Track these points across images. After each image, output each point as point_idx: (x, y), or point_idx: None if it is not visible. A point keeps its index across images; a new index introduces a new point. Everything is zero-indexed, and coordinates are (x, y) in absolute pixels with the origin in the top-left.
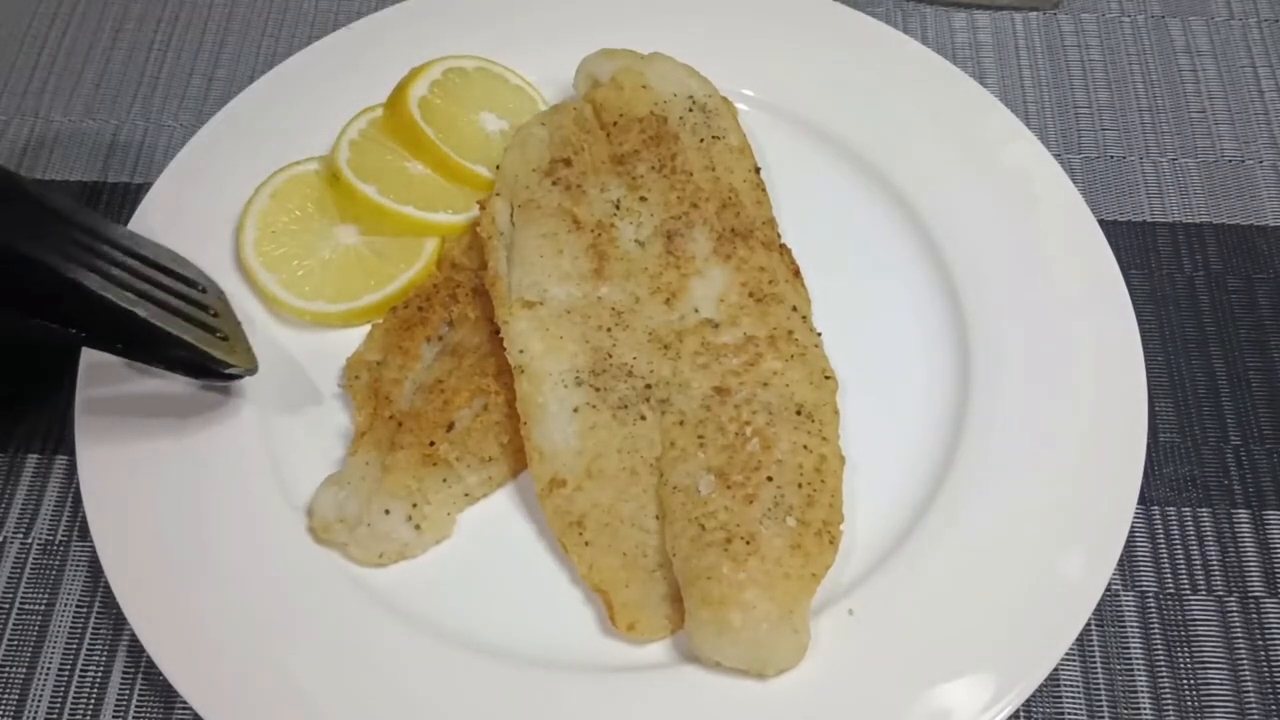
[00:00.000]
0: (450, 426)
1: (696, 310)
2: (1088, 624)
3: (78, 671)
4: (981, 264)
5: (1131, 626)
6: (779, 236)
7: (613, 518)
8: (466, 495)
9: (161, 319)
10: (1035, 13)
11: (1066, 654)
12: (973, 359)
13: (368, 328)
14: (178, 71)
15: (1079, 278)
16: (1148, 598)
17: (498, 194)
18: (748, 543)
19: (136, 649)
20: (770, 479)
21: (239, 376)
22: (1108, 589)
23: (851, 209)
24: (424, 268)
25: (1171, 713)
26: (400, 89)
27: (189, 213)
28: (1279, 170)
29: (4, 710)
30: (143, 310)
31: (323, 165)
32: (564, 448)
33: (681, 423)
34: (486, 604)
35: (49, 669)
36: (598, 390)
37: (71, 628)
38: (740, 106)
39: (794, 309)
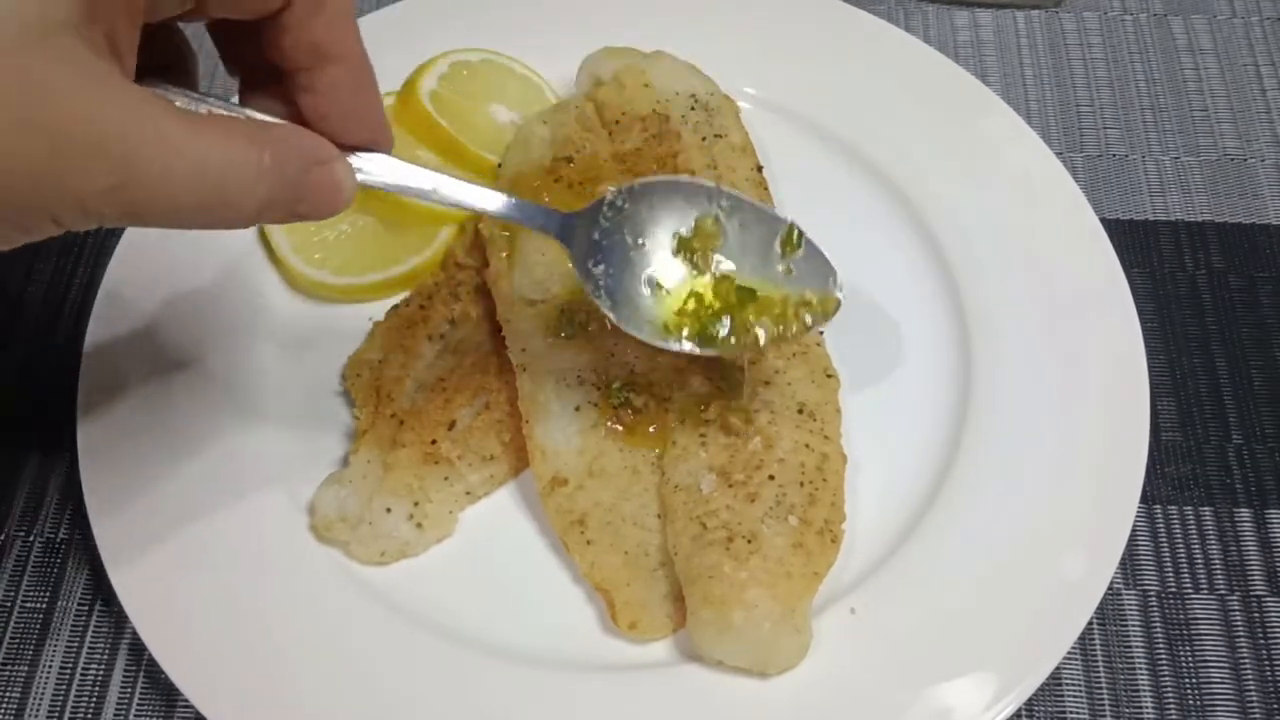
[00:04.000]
0: (452, 425)
1: None
2: (1090, 622)
3: (79, 670)
4: (983, 262)
5: (1134, 625)
6: None
7: (614, 516)
8: (468, 493)
9: None
10: (1037, 11)
11: (1069, 652)
12: (974, 357)
13: (370, 325)
14: None
15: (1081, 276)
16: (1150, 596)
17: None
18: (749, 541)
19: (138, 647)
20: (772, 478)
21: None
22: (1110, 587)
23: (853, 207)
24: (433, 255)
25: (1174, 711)
26: (410, 84)
27: None
28: None
29: (6, 708)
30: None
31: None
32: (566, 446)
33: (683, 421)
34: (488, 602)
35: (50, 667)
36: (600, 389)
37: (73, 626)
38: (742, 105)
39: None
